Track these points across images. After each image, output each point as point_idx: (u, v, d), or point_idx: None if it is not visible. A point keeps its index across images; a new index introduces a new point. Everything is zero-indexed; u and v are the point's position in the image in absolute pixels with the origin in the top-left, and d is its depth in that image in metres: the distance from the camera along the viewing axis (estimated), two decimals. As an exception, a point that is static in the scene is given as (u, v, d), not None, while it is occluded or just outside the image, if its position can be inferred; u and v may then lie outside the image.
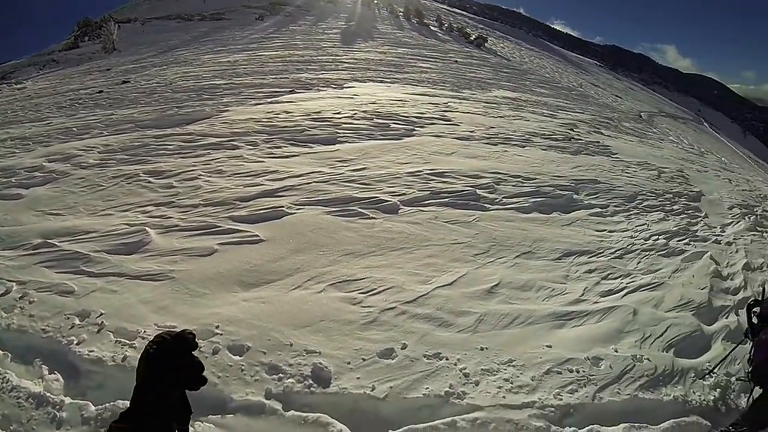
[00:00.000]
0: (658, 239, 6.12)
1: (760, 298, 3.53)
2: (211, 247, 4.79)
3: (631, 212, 6.94)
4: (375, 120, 9.48)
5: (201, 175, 6.64)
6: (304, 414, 3.01)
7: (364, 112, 10.02)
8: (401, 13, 42.70)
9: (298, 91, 12.34)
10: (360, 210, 5.66)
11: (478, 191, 6.55)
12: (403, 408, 3.16)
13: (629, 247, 5.78)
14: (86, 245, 4.83)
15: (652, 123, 23.77)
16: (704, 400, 3.56)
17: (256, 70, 15.68)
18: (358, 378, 3.30)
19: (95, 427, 2.87)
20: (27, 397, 3.05)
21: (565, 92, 21.78)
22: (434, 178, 6.79)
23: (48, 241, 4.92)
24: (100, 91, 13.51)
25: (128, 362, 3.27)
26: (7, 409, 2.98)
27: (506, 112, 12.64)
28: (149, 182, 6.45)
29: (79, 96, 13.17)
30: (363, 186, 6.33)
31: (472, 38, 37.97)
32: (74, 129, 9.29)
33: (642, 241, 6.01)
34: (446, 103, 12.25)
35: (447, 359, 3.52)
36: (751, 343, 3.40)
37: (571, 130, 11.79)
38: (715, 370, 3.81)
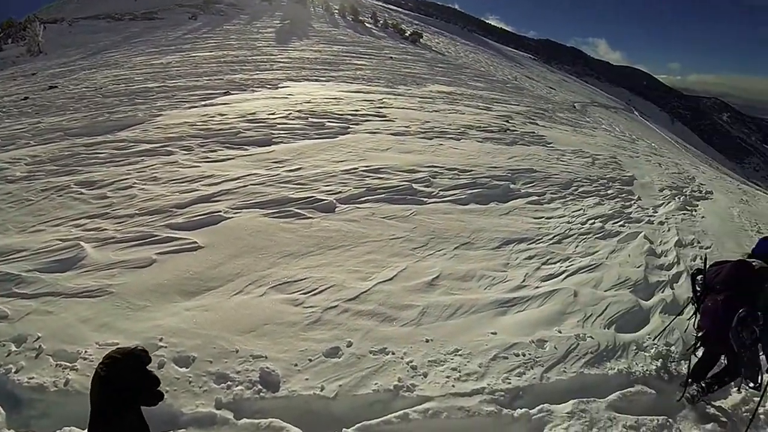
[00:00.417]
0: (594, 223, 6.47)
1: (702, 267, 3.74)
2: (150, 258, 4.65)
3: (568, 199, 7.26)
4: (310, 119, 9.54)
5: (135, 183, 6.45)
6: (257, 420, 3.01)
7: (298, 111, 10.03)
8: (336, 11, 42.50)
9: (232, 92, 12.17)
10: (297, 210, 5.71)
11: (415, 185, 6.71)
12: (355, 405, 3.21)
13: (567, 232, 6.05)
14: (17, 265, 4.55)
15: (585, 113, 25.16)
16: (647, 370, 3.83)
17: (189, 71, 15.22)
18: (307, 379, 3.32)
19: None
20: (-34, 435, 2.86)
21: (500, 85, 22.55)
22: (370, 174, 6.92)
23: (-25, 263, 4.64)
24: (26, 98, 12.61)
25: (71, 386, 3.09)
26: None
27: (442, 106, 12.95)
28: (81, 194, 6.17)
29: (2, 103, 12.24)
30: (299, 186, 6.38)
31: (407, 34, 38.56)
32: (-3, 140, 8.71)
33: (579, 225, 6.32)
34: (381, 100, 12.39)
35: (393, 354, 3.58)
36: (695, 310, 3.72)
37: (507, 121, 12.24)
38: (656, 341, 4.12)
